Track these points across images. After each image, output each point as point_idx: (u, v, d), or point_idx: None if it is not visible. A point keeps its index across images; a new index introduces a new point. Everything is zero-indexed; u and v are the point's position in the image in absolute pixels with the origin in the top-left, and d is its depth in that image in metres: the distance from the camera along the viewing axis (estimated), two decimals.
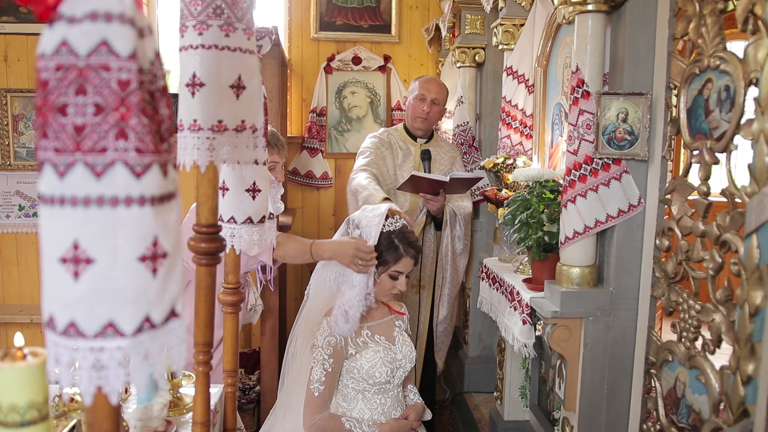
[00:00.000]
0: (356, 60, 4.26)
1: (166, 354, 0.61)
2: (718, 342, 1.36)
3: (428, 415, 2.02)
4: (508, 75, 2.82)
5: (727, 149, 1.35)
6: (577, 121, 1.79)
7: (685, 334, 1.50)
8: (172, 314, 0.61)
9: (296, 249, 2.02)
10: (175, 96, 1.04)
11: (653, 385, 1.68)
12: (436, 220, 2.86)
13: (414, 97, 2.89)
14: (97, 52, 0.54)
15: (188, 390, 1.63)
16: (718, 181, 1.48)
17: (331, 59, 4.23)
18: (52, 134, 0.54)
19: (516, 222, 2.10)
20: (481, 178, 2.89)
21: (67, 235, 0.55)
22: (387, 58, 4.27)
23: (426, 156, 2.85)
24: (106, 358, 0.56)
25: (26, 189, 3.83)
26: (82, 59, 0.54)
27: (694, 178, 1.50)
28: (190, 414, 1.51)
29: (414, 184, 2.64)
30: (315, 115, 4.23)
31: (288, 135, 4.13)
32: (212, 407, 1.49)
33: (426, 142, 2.97)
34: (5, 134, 3.79)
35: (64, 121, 0.54)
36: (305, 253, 1.99)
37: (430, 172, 2.80)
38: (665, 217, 1.65)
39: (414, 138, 2.96)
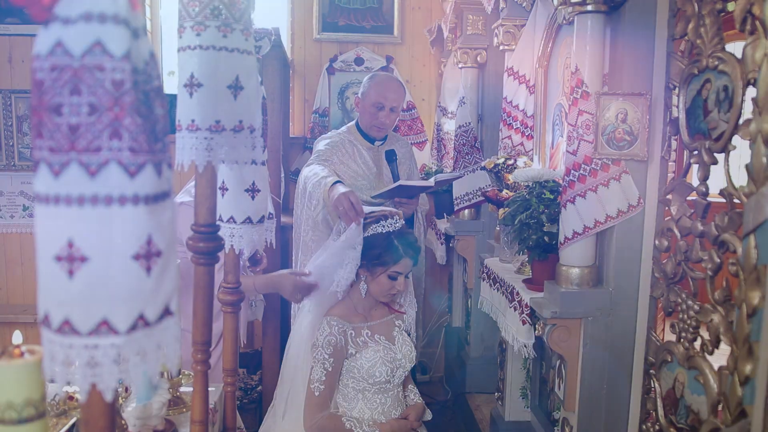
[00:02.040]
0: (359, 61, 4.26)
1: (161, 352, 0.62)
2: (716, 342, 1.35)
3: (428, 416, 2.02)
4: (509, 76, 2.82)
5: (725, 149, 1.35)
6: (576, 122, 1.79)
7: (683, 334, 1.50)
8: (167, 312, 0.62)
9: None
10: (175, 97, 1.05)
11: (652, 385, 1.67)
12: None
13: (370, 103, 2.65)
14: (92, 53, 0.54)
15: (189, 389, 1.63)
16: (717, 182, 1.48)
17: (333, 60, 4.24)
18: (47, 134, 0.55)
19: (516, 222, 2.10)
20: (459, 177, 2.91)
21: (62, 234, 0.56)
22: (389, 59, 4.27)
23: (392, 157, 2.69)
24: (101, 356, 0.57)
25: (30, 189, 3.85)
26: (76, 60, 0.54)
27: (694, 178, 1.50)
28: None
29: (395, 192, 2.49)
30: (317, 115, 4.23)
31: (291, 135, 4.14)
32: (211, 406, 1.50)
33: (382, 143, 2.79)
34: (10, 135, 3.81)
35: (58, 121, 0.55)
36: (250, 290, 2.11)
37: (398, 174, 2.69)
38: (666, 218, 1.65)
39: (371, 141, 2.75)
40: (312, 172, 2.40)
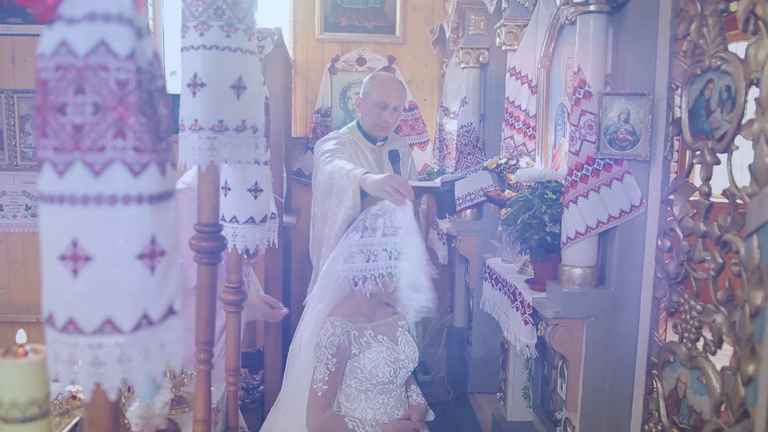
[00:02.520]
0: (361, 61, 4.27)
1: (165, 351, 0.62)
2: (719, 343, 1.35)
3: (431, 416, 2.02)
4: (511, 76, 2.81)
5: (728, 150, 1.35)
6: (578, 122, 1.79)
7: (686, 334, 1.50)
8: (171, 312, 0.62)
9: None
10: (178, 96, 1.05)
11: (655, 385, 1.67)
12: None
13: (373, 103, 2.65)
14: (96, 53, 0.55)
15: (192, 388, 1.64)
16: (719, 182, 1.48)
17: (335, 60, 4.24)
18: (52, 133, 0.55)
19: (518, 222, 2.10)
20: (463, 177, 2.96)
21: (66, 233, 0.56)
22: (391, 59, 4.28)
23: (396, 157, 2.71)
24: (105, 355, 0.57)
25: (33, 189, 3.86)
26: (80, 59, 0.55)
27: (696, 179, 1.50)
28: None
29: None
30: (320, 115, 4.24)
31: (293, 135, 4.15)
32: (214, 405, 1.50)
33: (383, 143, 2.79)
34: (12, 135, 3.82)
35: (63, 121, 0.55)
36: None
37: (400, 174, 2.66)
38: (668, 218, 1.65)
39: (373, 141, 2.74)
40: (337, 167, 2.36)
